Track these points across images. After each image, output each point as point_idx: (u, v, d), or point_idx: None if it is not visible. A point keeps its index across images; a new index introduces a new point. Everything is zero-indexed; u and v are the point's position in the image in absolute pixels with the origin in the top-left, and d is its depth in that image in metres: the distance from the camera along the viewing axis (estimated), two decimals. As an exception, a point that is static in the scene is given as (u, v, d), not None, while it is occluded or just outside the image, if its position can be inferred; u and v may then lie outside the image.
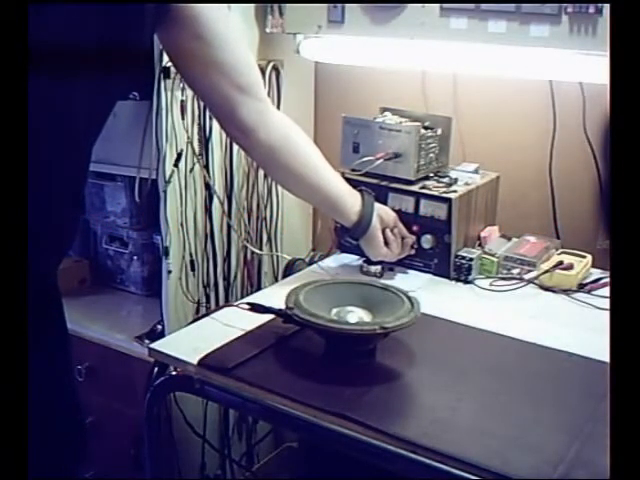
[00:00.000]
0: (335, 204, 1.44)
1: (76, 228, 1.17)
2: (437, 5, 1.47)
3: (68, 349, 1.22)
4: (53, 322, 1.17)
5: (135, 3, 1.02)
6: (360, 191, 1.48)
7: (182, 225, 1.65)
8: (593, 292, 1.45)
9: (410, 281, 1.49)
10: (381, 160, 1.53)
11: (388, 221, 1.49)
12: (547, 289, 1.47)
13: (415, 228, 1.53)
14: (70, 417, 1.22)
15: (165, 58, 1.46)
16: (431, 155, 1.58)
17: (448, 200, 1.49)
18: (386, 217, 1.49)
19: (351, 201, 1.44)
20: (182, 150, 1.60)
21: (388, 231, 1.49)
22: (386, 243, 1.49)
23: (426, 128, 1.58)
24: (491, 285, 1.48)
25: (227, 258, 1.79)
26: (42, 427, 1.08)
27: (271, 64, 1.76)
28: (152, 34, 1.12)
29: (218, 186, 1.72)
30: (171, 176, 1.60)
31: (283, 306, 1.18)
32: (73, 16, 0.94)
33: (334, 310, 1.19)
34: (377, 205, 1.48)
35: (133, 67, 1.10)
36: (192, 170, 1.64)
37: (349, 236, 1.49)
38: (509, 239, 1.63)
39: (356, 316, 1.18)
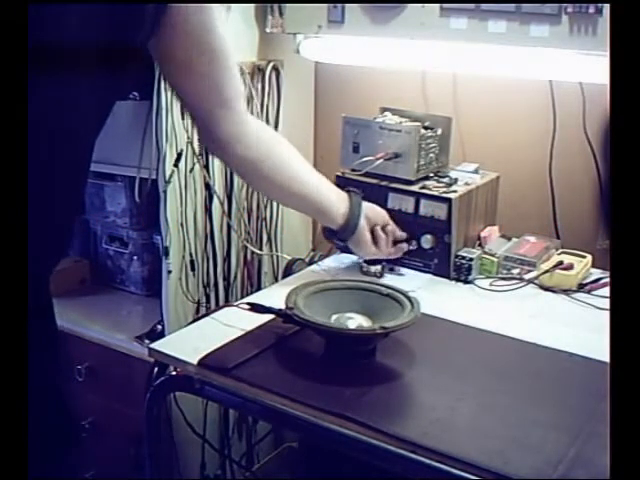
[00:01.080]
0: (319, 209, 1.42)
1: (72, 230, 1.15)
2: (437, 5, 1.47)
3: (59, 350, 1.20)
4: (45, 322, 1.16)
5: (136, 3, 1.02)
6: (348, 191, 1.46)
7: (182, 225, 1.65)
8: (593, 292, 1.45)
9: (410, 281, 1.49)
10: (381, 160, 1.53)
11: (376, 219, 1.48)
12: (547, 289, 1.47)
13: (415, 228, 1.54)
14: (60, 420, 1.20)
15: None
16: (431, 155, 1.58)
17: (448, 200, 1.49)
18: (374, 216, 1.48)
19: (336, 205, 1.42)
20: (182, 150, 1.61)
21: (378, 229, 1.48)
22: (376, 242, 1.48)
23: (426, 128, 1.58)
24: (491, 285, 1.48)
25: (227, 258, 1.79)
26: (31, 430, 1.07)
27: (271, 64, 1.76)
28: (150, 35, 1.11)
29: (218, 186, 1.72)
30: (171, 176, 1.60)
31: (283, 306, 1.18)
32: (73, 16, 0.94)
33: (334, 316, 1.19)
34: (365, 204, 1.46)
35: (133, 67, 1.09)
36: (192, 170, 1.64)
37: (337, 238, 1.49)
38: (509, 239, 1.63)
39: (355, 323, 1.19)
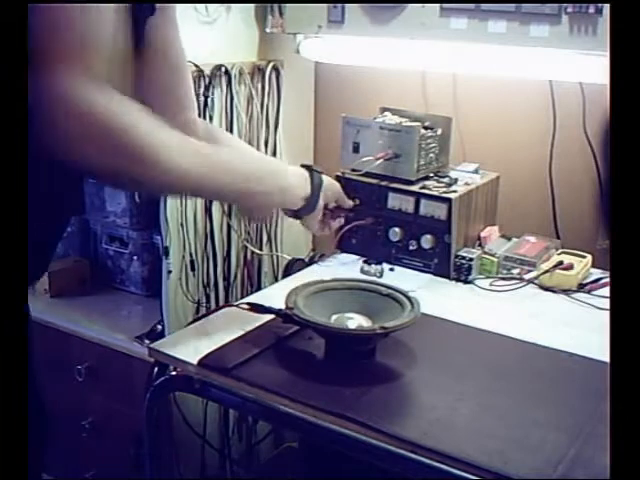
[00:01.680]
0: (283, 202, 1.37)
1: (63, 232, 1.14)
2: (437, 5, 1.47)
3: (30, 344, 1.17)
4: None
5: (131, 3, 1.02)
6: (310, 170, 1.38)
7: (182, 225, 1.65)
8: (593, 292, 1.45)
9: (410, 281, 1.49)
10: (381, 160, 1.53)
11: (331, 198, 1.44)
12: (547, 289, 1.47)
13: (415, 228, 1.54)
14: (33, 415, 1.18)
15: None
16: (431, 155, 1.58)
17: (448, 200, 1.49)
18: (330, 194, 1.43)
19: (298, 191, 1.36)
20: (182, 150, 1.60)
21: (328, 207, 1.45)
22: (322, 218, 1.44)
23: (426, 128, 1.58)
24: (491, 285, 1.48)
25: (227, 258, 1.79)
26: None
27: (271, 64, 1.76)
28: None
29: (218, 186, 1.71)
30: (171, 176, 1.59)
31: (283, 306, 1.18)
32: None
33: (334, 317, 1.20)
34: (324, 182, 1.40)
35: None
36: (192, 170, 1.64)
37: (292, 216, 1.42)
38: (509, 239, 1.63)
39: (355, 323, 1.19)
